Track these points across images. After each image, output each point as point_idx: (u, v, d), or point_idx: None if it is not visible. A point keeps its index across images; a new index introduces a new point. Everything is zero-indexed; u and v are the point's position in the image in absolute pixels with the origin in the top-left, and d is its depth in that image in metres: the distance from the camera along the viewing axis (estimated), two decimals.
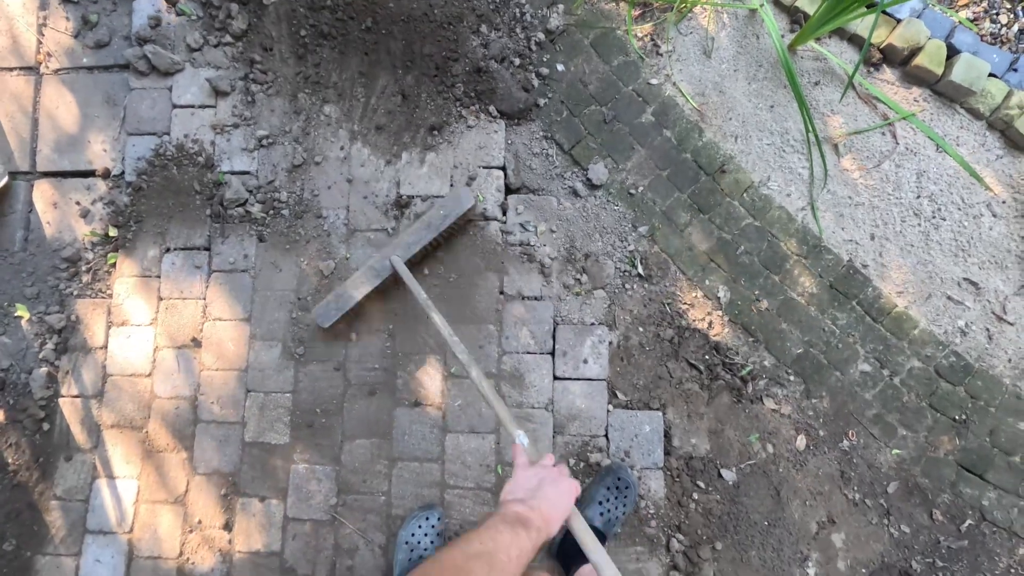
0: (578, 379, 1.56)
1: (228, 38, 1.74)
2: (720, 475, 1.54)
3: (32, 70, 1.85)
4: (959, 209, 1.65)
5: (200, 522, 1.61)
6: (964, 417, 1.59)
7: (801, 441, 1.59)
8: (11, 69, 1.86)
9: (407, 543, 1.44)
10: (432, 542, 1.45)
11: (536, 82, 1.70)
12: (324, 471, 1.59)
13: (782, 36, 1.66)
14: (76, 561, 1.62)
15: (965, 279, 1.63)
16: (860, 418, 1.60)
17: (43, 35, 1.86)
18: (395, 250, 1.51)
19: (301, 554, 1.56)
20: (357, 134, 1.69)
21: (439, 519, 1.49)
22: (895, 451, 1.59)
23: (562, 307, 1.60)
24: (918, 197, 1.66)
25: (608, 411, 1.55)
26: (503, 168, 1.65)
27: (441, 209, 1.51)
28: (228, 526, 1.60)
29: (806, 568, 1.52)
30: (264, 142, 1.71)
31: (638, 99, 1.71)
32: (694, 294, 1.65)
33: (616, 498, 1.43)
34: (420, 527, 1.47)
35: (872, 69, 1.68)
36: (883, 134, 1.67)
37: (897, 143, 1.66)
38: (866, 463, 1.58)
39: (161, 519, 1.62)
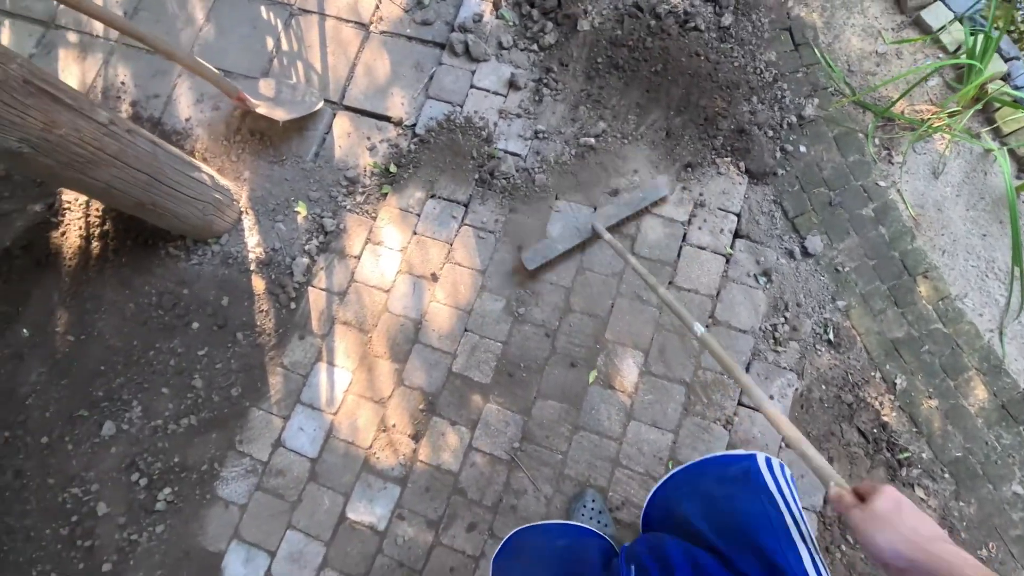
0: (759, 411, 1.74)
1: (535, 47, 2.10)
2: None
3: (363, 27, 2.26)
4: None
5: (394, 425, 1.85)
6: None
7: None
8: (347, 21, 2.28)
9: None
10: (599, 523, 1.62)
11: (779, 154, 1.97)
12: (513, 417, 1.81)
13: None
14: (284, 423, 1.88)
15: None
16: (1003, 534, 1.71)
17: (381, 3, 2.28)
18: (597, 218, 1.84)
19: (474, 481, 1.77)
20: (620, 153, 1.98)
21: (593, 500, 1.67)
22: None
23: (759, 345, 1.80)
24: None
25: (780, 447, 1.72)
26: (738, 215, 1.90)
27: (641, 192, 1.87)
28: (416, 437, 1.83)
29: None
30: (539, 135, 2.02)
31: (863, 194, 1.94)
32: (873, 374, 1.82)
33: None
34: (583, 515, 1.64)
35: None
36: None
37: None
38: None
39: (362, 412, 1.87)
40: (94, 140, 1.43)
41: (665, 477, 1.18)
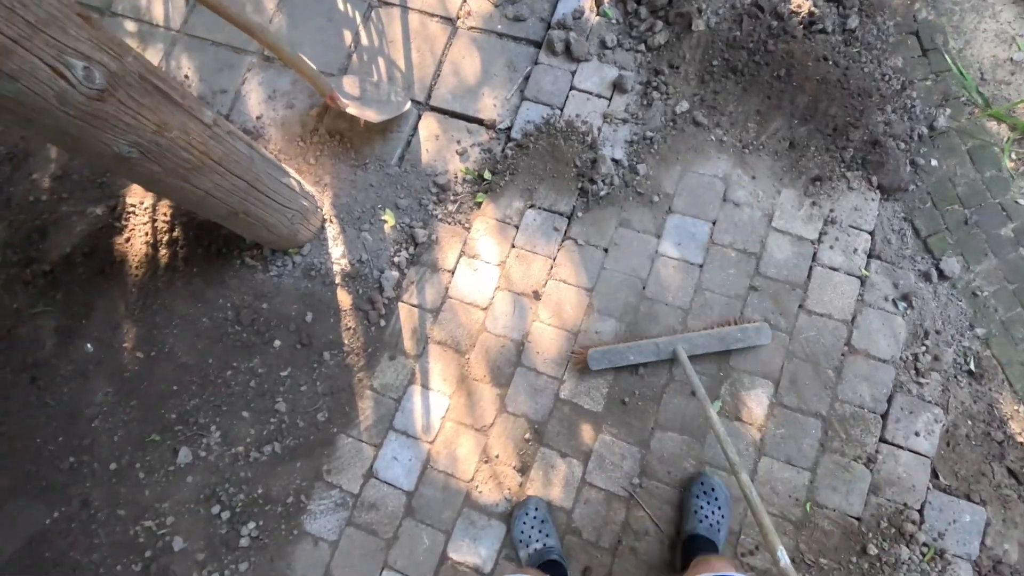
0: (905, 449, 1.60)
1: (642, 47, 1.95)
2: None
3: (450, 22, 2.11)
4: None
5: (498, 456, 1.70)
6: None
7: None
8: (433, 15, 2.12)
9: None
10: None
11: (909, 168, 1.82)
12: (630, 450, 1.66)
13: None
14: (375, 452, 1.72)
15: None
16: None
17: None
18: (683, 342, 1.64)
19: (589, 520, 1.63)
20: (739, 163, 1.84)
21: None
22: None
23: (900, 376, 1.66)
24: None
25: (928, 488, 1.58)
26: (871, 233, 1.76)
27: (740, 333, 1.65)
28: (523, 470, 1.68)
29: None
30: (648, 143, 1.87)
31: (1002, 212, 1.80)
32: (1016, 408, 1.68)
33: (709, 503, 1.52)
34: None
35: None
36: None
37: None
38: None
39: (462, 441, 1.72)
40: (201, 144, 1.27)
41: None
